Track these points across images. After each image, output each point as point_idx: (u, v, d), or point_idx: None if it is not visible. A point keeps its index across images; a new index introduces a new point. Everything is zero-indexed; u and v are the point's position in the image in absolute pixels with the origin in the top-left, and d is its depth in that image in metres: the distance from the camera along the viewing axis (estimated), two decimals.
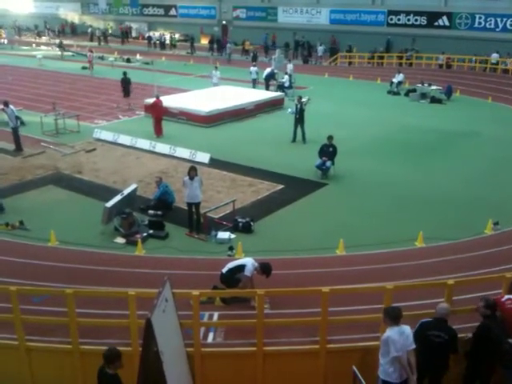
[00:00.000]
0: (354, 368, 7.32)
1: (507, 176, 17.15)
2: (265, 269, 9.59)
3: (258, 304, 7.71)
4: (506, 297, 7.47)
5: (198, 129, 22.79)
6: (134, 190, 14.35)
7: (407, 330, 6.85)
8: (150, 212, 14.04)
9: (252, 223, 13.35)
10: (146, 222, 13.49)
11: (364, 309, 8.52)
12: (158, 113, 21.94)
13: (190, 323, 7.71)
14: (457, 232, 12.93)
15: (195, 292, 7.69)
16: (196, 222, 13.23)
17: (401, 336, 6.70)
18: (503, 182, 16.65)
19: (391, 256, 11.86)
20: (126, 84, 28.50)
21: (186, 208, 13.34)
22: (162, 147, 19.58)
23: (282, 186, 16.19)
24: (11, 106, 19.46)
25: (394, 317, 6.79)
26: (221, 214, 13.98)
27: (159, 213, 13.98)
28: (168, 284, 7.01)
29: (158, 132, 21.56)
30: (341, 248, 12.17)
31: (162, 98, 22.73)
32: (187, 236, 13.08)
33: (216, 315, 9.02)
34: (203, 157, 18.29)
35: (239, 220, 13.38)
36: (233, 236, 12.91)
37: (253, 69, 31.72)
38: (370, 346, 7.76)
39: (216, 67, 31.59)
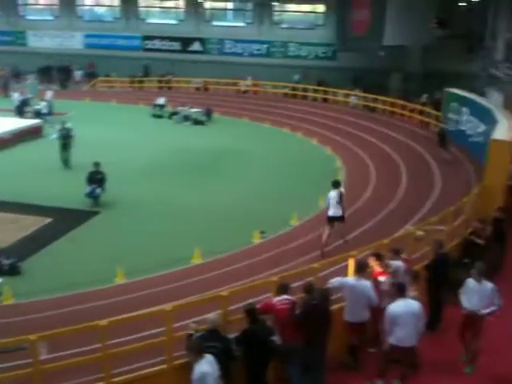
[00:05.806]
0: None
1: (271, 188, 18.71)
2: None
3: (33, 351, 7.10)
4: (277, 298, 8.09)
5: None
6: None
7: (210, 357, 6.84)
8: None
9: (19, 263, 12.35)
10: None
11: (149, 334, 8.46)
12: None
13: None
14: (230, 244, 13.75)
15: None
16: None
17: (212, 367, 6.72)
18: (268, 193, 18.11)
19: (170, 277, 12.04)
20: None
21: None
22: None
23: (50, 219, 15.33)
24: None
25: (198, 350, 6.75)
26: None
27: None
28: None
29: None
30: (120, 276, 11.94)
31: None
32: None
33: None
34: None
35: (3, 262, 12.24)
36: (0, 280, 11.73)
37: (16, 95, 29.63)
38: (155, 372, 7.74)
39: None
